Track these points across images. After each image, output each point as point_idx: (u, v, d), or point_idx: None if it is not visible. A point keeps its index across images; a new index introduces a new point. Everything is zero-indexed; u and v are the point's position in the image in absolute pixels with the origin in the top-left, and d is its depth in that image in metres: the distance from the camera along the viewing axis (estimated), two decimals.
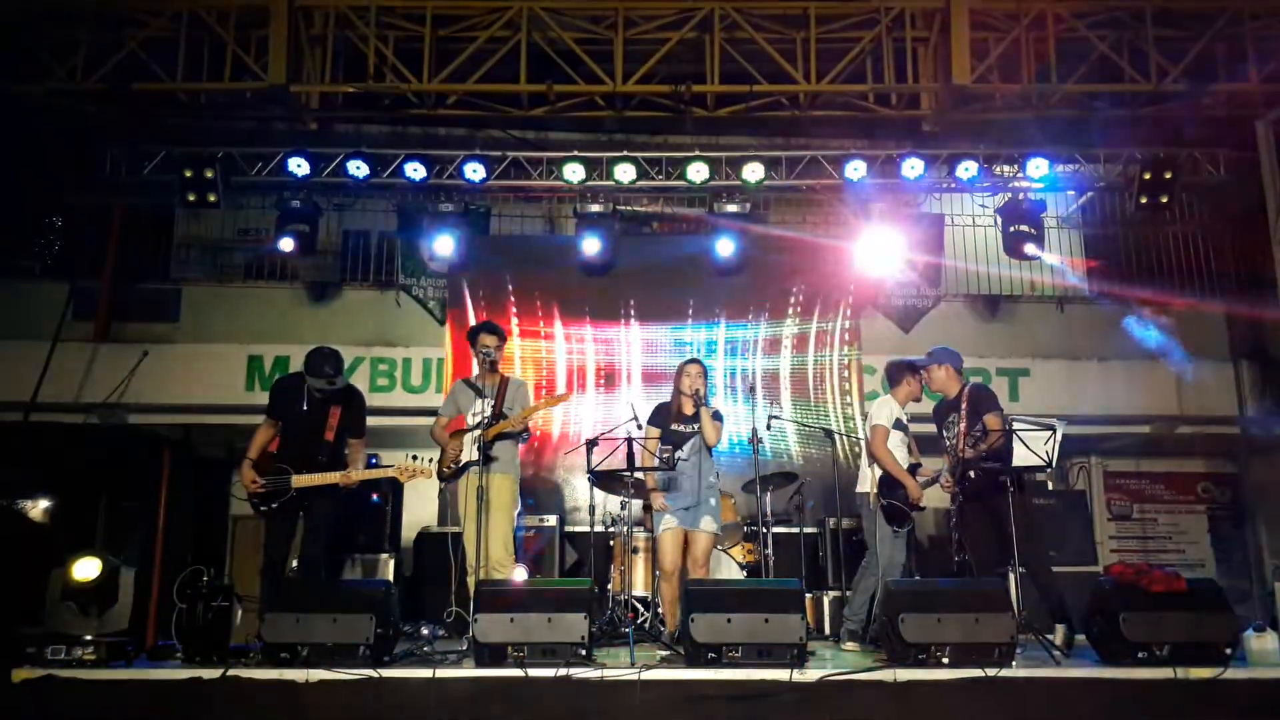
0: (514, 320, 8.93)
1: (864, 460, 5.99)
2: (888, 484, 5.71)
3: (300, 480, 5.57)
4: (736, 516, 7.05)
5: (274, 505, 5.58)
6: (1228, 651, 4.30)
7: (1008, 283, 9.73)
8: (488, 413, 5.62)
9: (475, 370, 6.10)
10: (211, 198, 8.20)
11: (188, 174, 8.09)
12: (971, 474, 5.59)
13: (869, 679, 4.11)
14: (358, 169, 8.16)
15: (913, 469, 5.77)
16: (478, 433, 5.53)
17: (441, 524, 7.79)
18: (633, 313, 8.87)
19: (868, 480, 5.85)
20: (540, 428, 8.44)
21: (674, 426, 5.74)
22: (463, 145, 8.74)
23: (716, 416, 5.79)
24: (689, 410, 5.73)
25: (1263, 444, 9.21)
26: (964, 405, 5.74)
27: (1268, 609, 4.85)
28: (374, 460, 7.76)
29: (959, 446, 5.65)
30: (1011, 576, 5.94)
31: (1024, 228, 8.40)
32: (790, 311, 8.83)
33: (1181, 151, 8.23)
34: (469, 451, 5.63)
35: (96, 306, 9.05)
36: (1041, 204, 8.50)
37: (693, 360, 5.91)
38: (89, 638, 4.50)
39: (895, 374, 6.06)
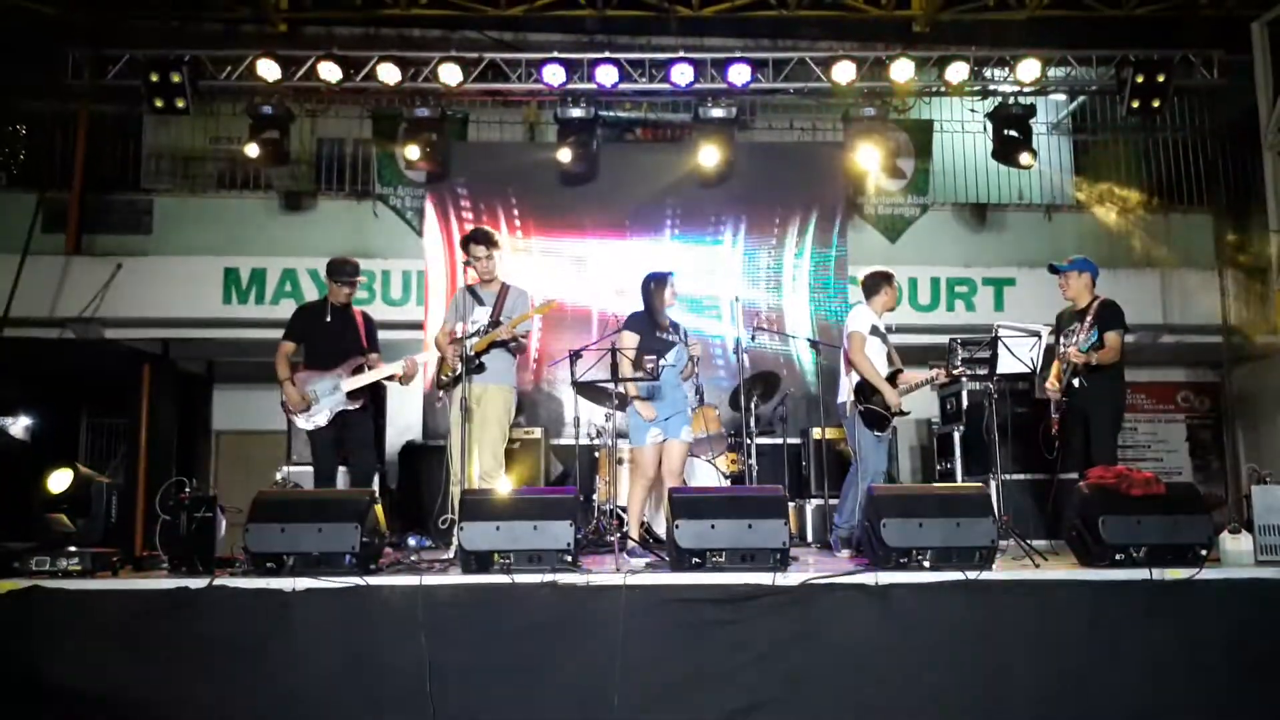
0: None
1: (842, 369, 5.98)
2: (865, 390, 5.72)
3: (351, 382, 5.73)
4: (720, 426, 7.05)
5: (321, 421, 5.75)
6: (1203, 553, 4.37)
7: (995, 191, 9.61)
8: (484, 321, 5.53)
9: (474, 278, 5.74)
10: (180, 103, 7.90)
11: (154, 78, 7.76)
12: (1077, 383, 5.64)
13: (850, 582, 4.15)
14: (329, 72, 7.87)
15: (893, 376, 5.76)
16: (473, 341, 5.46)
17: (426, 436, 7.77)
18: (623, 223, 8.70)
19: (846, 389, 5.86)
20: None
21: (658, 334, 5.71)
22: (438, 47, 8.43)
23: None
24: (666, 324, 5.77)
25: (1245, 352, 9.26)
26: (1089, 317, 5.75)
27: (1243, 512, 4.91)
28: None
29: (1071, 354, 5.66)
30: (993, 483, 6.02)
31: (1013, 133, 8.24)
32: (778, 220, 8.70)
33: (1175, 54, 8.03)
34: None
35: (66, 218, 8.83)
36: (1031, 108, 8.31)
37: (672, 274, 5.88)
38: (74, 549, 4.48)
39: (871, 284, 6.02)
